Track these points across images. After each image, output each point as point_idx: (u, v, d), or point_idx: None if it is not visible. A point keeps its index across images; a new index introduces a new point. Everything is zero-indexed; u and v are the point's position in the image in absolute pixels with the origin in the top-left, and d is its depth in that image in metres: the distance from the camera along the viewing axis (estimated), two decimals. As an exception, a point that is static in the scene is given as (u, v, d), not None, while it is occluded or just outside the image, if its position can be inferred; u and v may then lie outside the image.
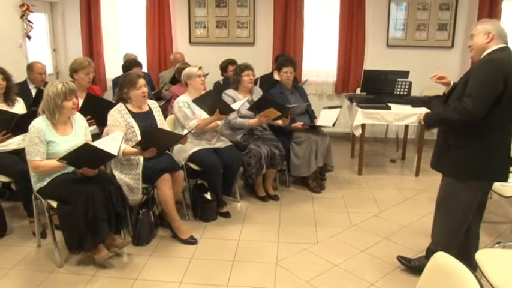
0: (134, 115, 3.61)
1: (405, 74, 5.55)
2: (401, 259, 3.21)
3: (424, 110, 4.96)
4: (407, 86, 5.45)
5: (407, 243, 3.60)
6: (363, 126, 5.14)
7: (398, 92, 5.48)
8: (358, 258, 3.38)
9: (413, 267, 3.13)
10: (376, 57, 6.60)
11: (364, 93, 5.68)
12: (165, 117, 4.20)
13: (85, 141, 3.36)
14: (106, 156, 3.17)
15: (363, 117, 5.07)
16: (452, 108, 2.68)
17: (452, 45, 6.41)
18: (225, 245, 3.61)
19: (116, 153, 3.12)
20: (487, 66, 2.61)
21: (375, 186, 4.93)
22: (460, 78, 2.83)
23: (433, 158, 2.98)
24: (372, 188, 4.88)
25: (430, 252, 3.04)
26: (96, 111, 3.95)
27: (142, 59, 6.23)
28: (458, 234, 2.91)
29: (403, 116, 5.05)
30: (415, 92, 5.75)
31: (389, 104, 5.17)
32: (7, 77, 3.82)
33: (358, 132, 5.16)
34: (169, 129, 3.91)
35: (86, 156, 3.10)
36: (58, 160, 3.02)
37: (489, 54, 2.67)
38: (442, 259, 1.71)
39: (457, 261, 1.64)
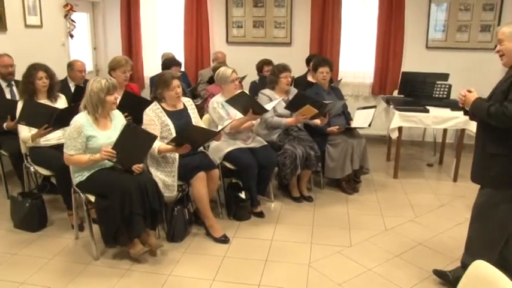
0: (169, 113, 3.67)
1: (445, 76, 5.42)
2: (438, 274, 3.09)
3: (462, 116, 4.86)
4: (446, 89, 5.33)
5: (443, 250, 3.51)
6: (400, 129, 5.05)
7: (437, 95, 5.37)
8: (392, 263, 3.32)
9: (451, 280, 3.00)
10: (414, 59, 6.47)
11: (402, 96, 5.59)
12: (201, 115, 4.24)
13: None
14: (147, 140, 3.26)
15: (400, 119, 4.99)
16: (493, 110, 2.57)
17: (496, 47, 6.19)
18: (258, 244, 3.62)
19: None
20: None
21: (411, 190, 4.84)
22: (495, 88, 2.73)
23: (474, 170, 2.87)
24: (408, 192, 4.79)
25: (465, 266, 2.95)
26: (133, 108, 4.03)
27: (180, 58, 6.31)
28: (495, 248, 2.81)
29: (441, 120, 4.94)
30: (454, 95, 5.55)
31: (428, 107, 5.07)
32: (50, 75, 3.97)
33: (394, 135, 5.08)
34: (204, 126, 3.95)
35: (131, 142, 3.19)
36: (112, 148, 3.09)
37: None
38: (482, 268, 1.66)
39: (497, 271, 1.59)
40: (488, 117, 2.60)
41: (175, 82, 3.63)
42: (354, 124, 4.69)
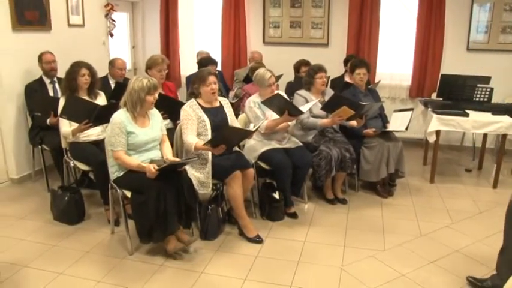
0: (205, 110, 3.71)
1: (486, 79, 5.27)
2: (472, 280, 3.01)
3: (504, 120, 4.69)
4: (487, 92, 5.17)
5: (480, 258, 3.40)
6: (438, 132, 4.94)
7: (477, 99, 5.22)
8: (427, 270, 3.25)
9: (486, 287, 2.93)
10: (454, 61, 6.31)
11: (441, 99, 5.47)
12: (237, 115, 4.26)
13: (161, 134, 3.52)
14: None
15: (438, 123, 4.87)
16: None
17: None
18: (290, 245, 3.61)
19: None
20: None
21: (448, 195, 4.72)
22: None
23: None
24: (445, 197, 4.67)
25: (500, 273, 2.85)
26: (168, 108, 4.11)
27: (217, 57, 6.35)
28: None
29: (481, 124, 4.80)
30: (496, 99, 5.44)
31: (467, 111, 4.93)
32: (93, 73, 4.08)
33: (432, 139, 4.96)
34: (239, 125, 3.98)
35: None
36: (157, 170, 3.14)
37: None
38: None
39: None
40: None
41: (212, 78, 3.67)
42: (390, 127, 4.62)
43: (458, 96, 5.26)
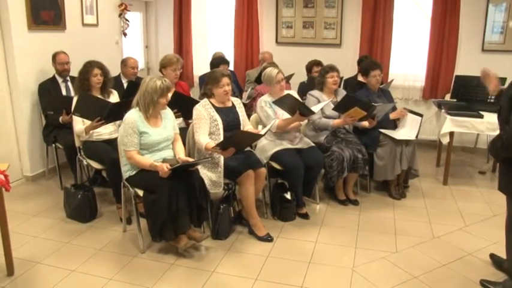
0: (217, 109, 3.72)
1: (501, 81, 5.19)
2: (486, 283, 2.98)
3: None
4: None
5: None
6: (451, 134, 4.90)
7: (492, 100, 5.16)
8: (439, 273, 3.22)
9: None
10: (469, 62, 6.23)
11: (454, 100, 5.41)
12: (250, 115, 4.27)
13: (174, 133, 3.53)
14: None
15: (452, 124, 4.82)
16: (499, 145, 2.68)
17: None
18: (301, 246, 3.60)
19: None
20: None
21: (461, 198, 4.68)
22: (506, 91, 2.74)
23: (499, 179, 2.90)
24: (458, 199, 4.63)
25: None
26: (182, 106, 4.12)
27: (230, 57, 6.36)
28: None
29: (496, 126, 4.67)
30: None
31: (482, 112, 4.88)
32: (105, 73, 4.12)
33: (445, 141, 4.92)
34: (251, 126, 3.99)
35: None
36: (169, 169, 3.15)
37: None
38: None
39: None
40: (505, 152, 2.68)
41: (225, 80, 3.68)
42: (399, 127, 4.61)
43: (473, 97, 5.20)
